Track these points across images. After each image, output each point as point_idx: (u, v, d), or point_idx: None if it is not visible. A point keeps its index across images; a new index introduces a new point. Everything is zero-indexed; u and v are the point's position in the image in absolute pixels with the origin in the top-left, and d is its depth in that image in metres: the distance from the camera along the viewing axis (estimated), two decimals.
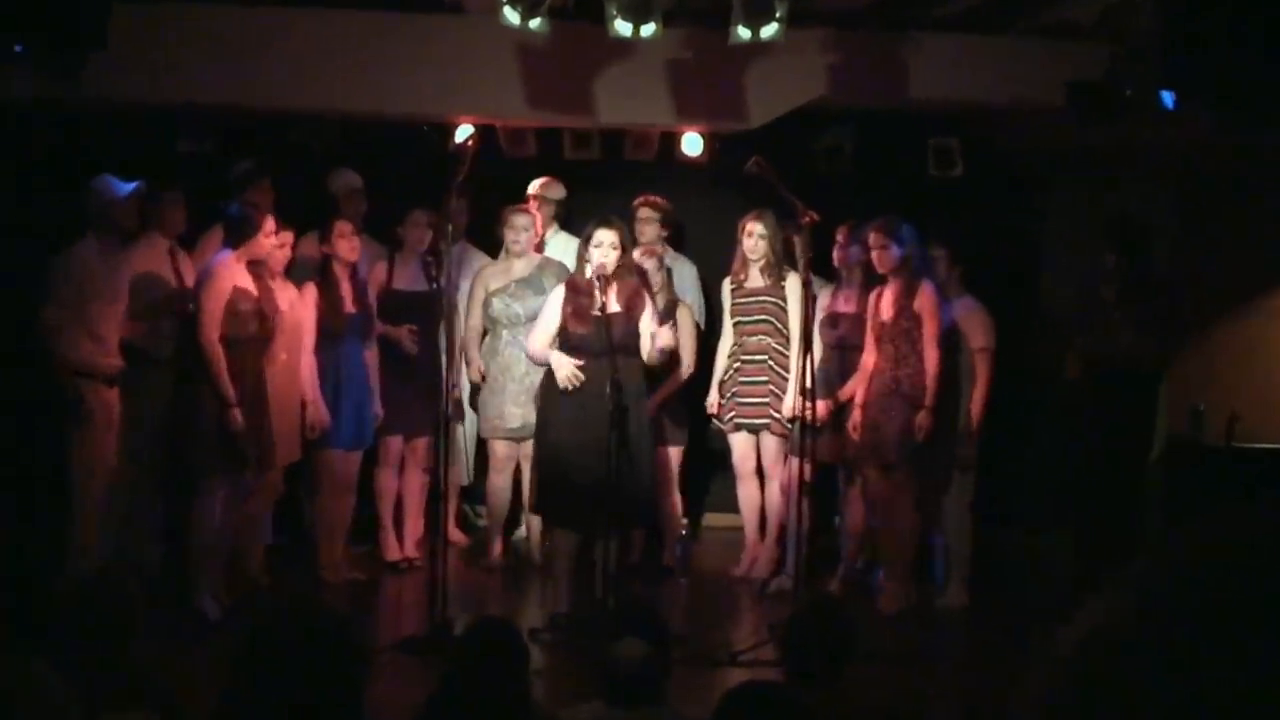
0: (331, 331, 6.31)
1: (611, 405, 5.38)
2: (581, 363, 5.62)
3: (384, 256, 6.77)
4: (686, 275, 7.15)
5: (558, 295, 5.81)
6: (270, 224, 5.78)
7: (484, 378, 6.72)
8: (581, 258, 5.75)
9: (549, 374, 5.80)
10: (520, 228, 6.74)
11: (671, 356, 6.72)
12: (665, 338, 5.80)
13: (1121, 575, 0.93)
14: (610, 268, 5.64)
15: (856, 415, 6.15)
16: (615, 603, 5.39)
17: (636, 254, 6.78)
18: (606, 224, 5.71)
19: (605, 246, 5.66)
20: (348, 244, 6.36)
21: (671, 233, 7.21)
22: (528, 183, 7.24)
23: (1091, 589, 0.96)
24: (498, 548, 6.85)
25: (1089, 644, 0.91)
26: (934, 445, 6.00)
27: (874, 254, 6.04)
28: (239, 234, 5.70)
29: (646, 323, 5.78)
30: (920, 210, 6.34)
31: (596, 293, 5.61)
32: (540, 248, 6.96)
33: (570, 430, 5.62)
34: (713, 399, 6.78)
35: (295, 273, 6.34)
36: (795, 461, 5.90)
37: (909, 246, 5.98)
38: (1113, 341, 6.14)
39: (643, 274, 6.06)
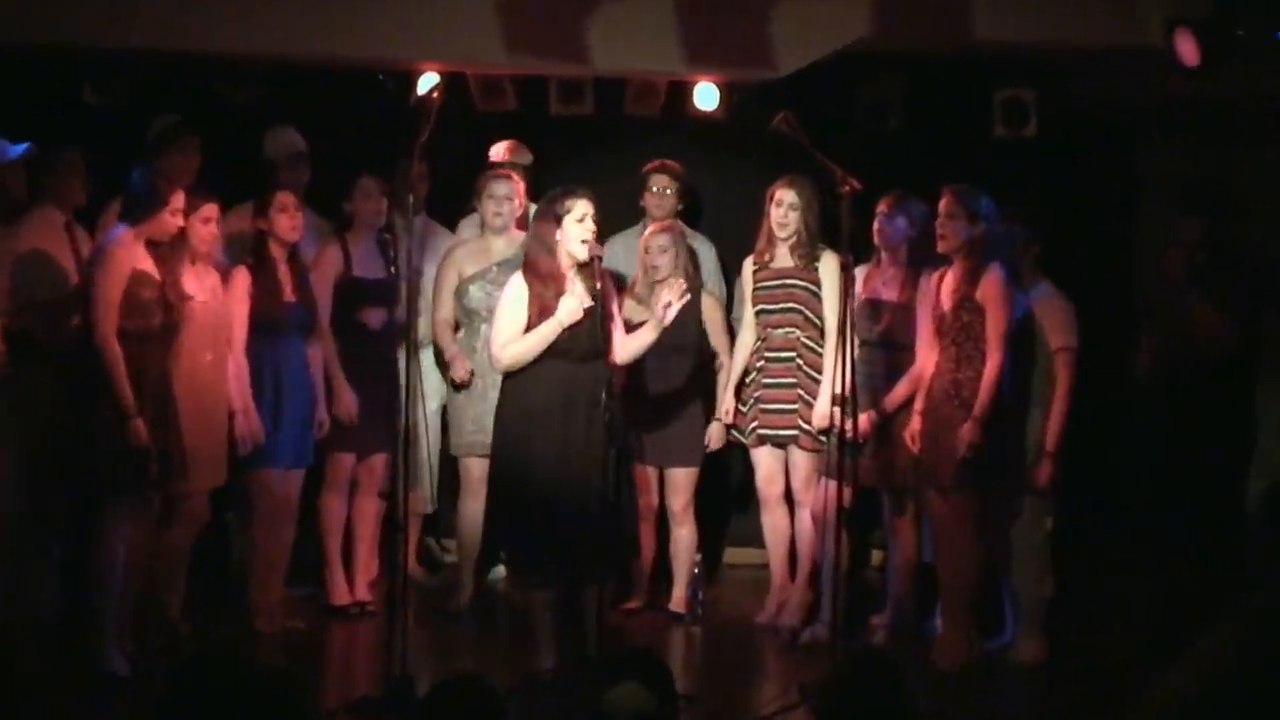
0: (269, 325, 6.30)
1: (609, 416, 5.37)
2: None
3: (330, 235, 6.77)
4: (705, 257, 7.16)
5: (516, 289, 5.67)
6: (179, 199, 5.74)
7: (471, 374, 6.70)
8: (545, 237, 5.63)
9: (514, 381, 5.68)
10: (502, 197, 6.74)
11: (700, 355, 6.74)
12: (641, 339, 5.72)
13: (1225, 622, 0.93)
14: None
15: (915, 424, 6.15)
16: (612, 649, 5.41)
17: (650, 231, 6.79)
18: (579, 193, 5.63)
19: (589, 220, 5.61)
20: (289, 220, 6.35)
21: (684, 205, 7.21)
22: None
23: (1188, 638, 0.96)
24: (469, 589, 6.86)
25: (1188, 705, 0.92)
26: (1002, 464, 6.00)
27: (939, 225, 6.03)
28: (140, 209, 5.68)
29: (616, 314, 5.78)
30: (986, 178, 6.32)
31: (590, 280, 5.56)
32: (524, 223, 6.96)
33: (553, 452, 5.55)
34: (728, 405, 6.79)
35: (223, 253, 6.34)
36: (830, 484, 5.89)
37: (983, 226, 5.98)
38: (1185, 325, 6.15)
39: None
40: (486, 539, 6.15)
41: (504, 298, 5.74)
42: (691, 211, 7.38)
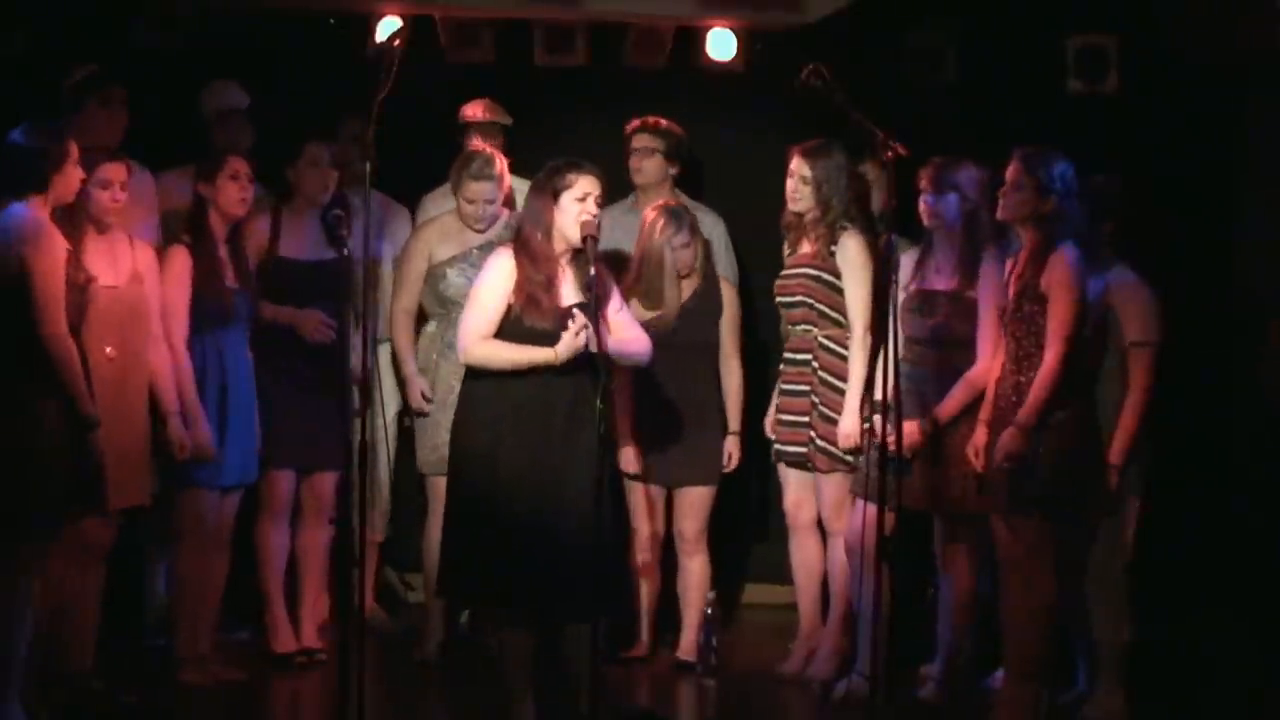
0: (211, 315, 6.41)
1: (603, 429, 5.45)
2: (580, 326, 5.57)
3: (265, 208, 6.86)
4: (713, 234, 7.26)
5: (503, 269, 5.77)
6: (74, 151, 5.72)
7: (429, 399, 6.89)
8: (540, 214, 5.74)
9: (479, 383, 5.79)
10: (483, 200, 6.82)
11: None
12: (638, 340, 5.85)
13: None
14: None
15: (980, 436, 6.19)
16: (606, 707, 5.51)
17: (662, 224, 6.84)
18: (584, 168, 5.73)
19: (591, 200, 5.71)
20: (237, 190, 6.47)
21: (682, 171, 7.30)
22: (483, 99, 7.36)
23: None
24: (438, 634, 7.00)
25: None
26: (1072, 484, 6.02)
27: (1000, 192, 6.06)
28: (35, 172, 5.68)
29: (616, 312, 5.86)
30: (1057, 140, 6.27)
31: (584, 268, 5.67)
32: (508, 201, 7.03)
33: (524, 466, 5.66)
34: (770, 417, 6.96)
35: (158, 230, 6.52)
36: (868, 508, 5.93)
37: (1054, 200, 6.01)
38: None
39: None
40: (442, 570, 6.19)
41: (484, 276, 5.80)
42: (694, 179, 7.47)
